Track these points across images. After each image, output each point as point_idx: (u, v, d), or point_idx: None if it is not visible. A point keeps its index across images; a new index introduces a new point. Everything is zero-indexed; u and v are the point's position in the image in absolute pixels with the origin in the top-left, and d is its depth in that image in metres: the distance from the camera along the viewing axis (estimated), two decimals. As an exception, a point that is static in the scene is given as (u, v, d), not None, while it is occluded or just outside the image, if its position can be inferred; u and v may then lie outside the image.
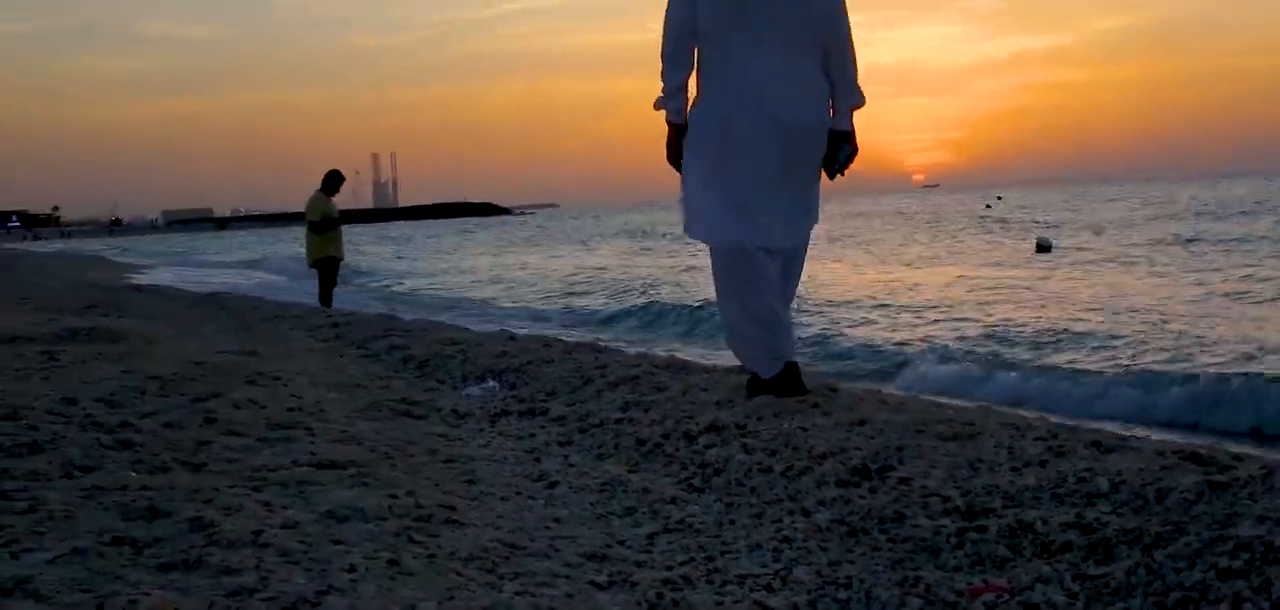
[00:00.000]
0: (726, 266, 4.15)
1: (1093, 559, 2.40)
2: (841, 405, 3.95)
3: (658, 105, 4.22)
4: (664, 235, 41.97)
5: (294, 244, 42.85)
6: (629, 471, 3.55)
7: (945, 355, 9.90)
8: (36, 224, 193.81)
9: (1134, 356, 9.08)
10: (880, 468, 3.15)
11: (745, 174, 4.06)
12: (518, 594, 2.27)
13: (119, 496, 2.80)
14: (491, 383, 5.57)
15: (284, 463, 3.33)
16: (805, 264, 4.44)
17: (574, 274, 24.93)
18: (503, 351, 6.40)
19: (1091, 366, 8.84)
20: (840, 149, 4.17)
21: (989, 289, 15.56)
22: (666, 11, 4.09)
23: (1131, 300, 13.29)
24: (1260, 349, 8.82)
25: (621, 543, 2.79)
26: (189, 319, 10.53)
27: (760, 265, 4.09)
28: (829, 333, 11.79)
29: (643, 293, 18.36)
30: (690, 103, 4.17)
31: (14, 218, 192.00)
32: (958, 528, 2.64)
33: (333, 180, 13.31)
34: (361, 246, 41.12)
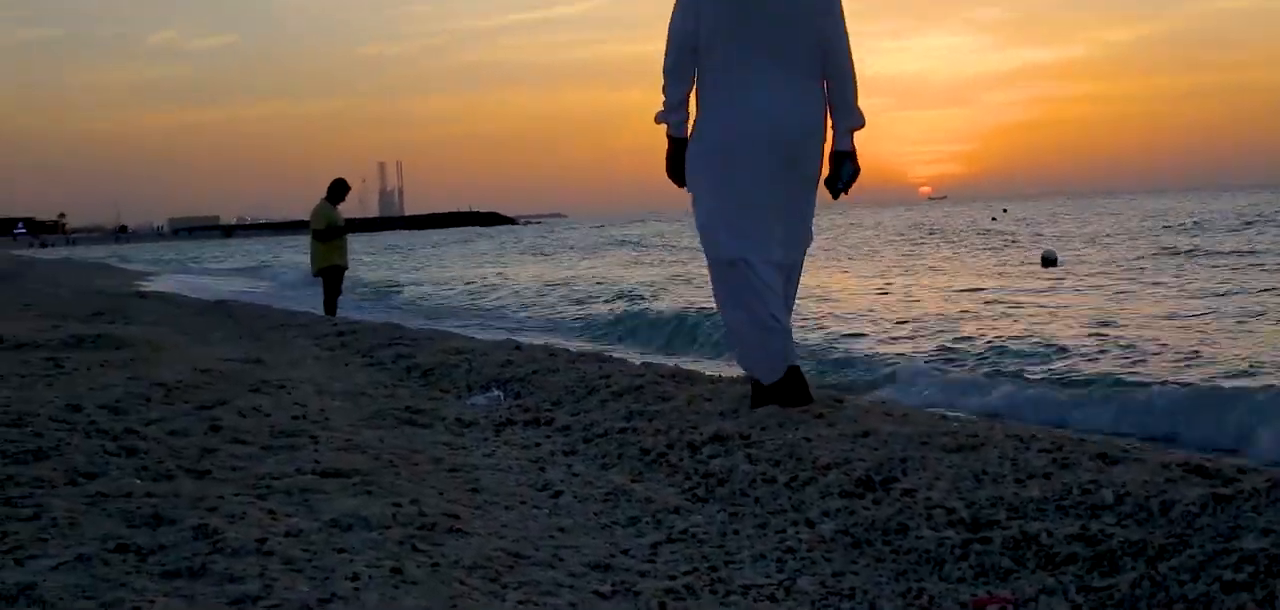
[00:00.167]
0: (730, 277, 4.18)
1: (1097, 571, 2.40)
2: (846, 416, 3.95)
3: (659, 119, 4.27)
4: (659, 244, 41.98)
5: (299, 252, 42.91)
6: (633, 481, 3.55)
7: (948, 367, 9.88)
8: (43, 231, 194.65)
9: (1136, 366, 9.07)
10: (884, 479, 3.15)
11: (747, 188, 4.09)
12: (521, 603, 2.28)
13: (123, 503, 2.80)
14: (496, 392, 5.58)
15: (288, 471, 3.34)
16: (806, 274, 4.47)
17: (569, 280, 24.92)
18: (508, 360, 6.40)
19: (1094, 377, 8.82)
20: (842, 168, 4.22)
21: (992, 302, 15.55)
22: (670, 23, 4.12)
23: (1137, 314, 13.27)
24: (1261, 363, 8.80)
25: (625, 552, 2.79)
26: (195, 326, 10.54)
27: (763, 276, 4.12)
28: (831, 344, 11.77)
29: (619, 298, 18.41)
30: (691, 119, 4.21)
31: (21, 224, 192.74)
32: (962, 539, 2.64)
33: (338, 189, 13.31)
34: (362, 257, 41.12)
